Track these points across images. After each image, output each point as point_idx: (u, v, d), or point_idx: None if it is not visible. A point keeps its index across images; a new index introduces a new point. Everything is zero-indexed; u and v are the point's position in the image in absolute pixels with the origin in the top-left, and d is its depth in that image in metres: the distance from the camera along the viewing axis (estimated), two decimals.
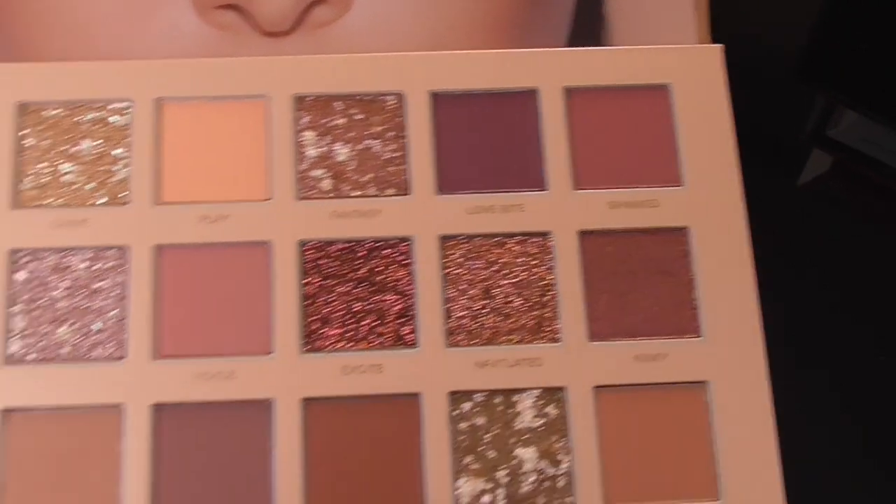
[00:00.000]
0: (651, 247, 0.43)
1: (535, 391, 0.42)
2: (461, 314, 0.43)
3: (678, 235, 0.43)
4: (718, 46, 0.46)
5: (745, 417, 0.41)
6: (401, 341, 0.42)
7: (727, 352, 0.42)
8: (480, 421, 0.42)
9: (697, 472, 0.41)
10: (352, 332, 0.42)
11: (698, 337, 0.42)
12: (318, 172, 0.44)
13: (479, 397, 0.42)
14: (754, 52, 0.48)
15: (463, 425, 0.41)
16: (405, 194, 0.44)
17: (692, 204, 0.44)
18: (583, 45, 0.46)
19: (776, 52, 0.52)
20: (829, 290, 0.49)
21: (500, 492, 0.41)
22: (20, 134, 0.44)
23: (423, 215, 0.43)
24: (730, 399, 0.42)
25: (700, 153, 0.44)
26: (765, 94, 0.47)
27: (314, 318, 0.42)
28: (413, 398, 0.41)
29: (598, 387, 0.42)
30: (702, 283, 0.43)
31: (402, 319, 0.42)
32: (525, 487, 0.41)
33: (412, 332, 0.42)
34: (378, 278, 0.43)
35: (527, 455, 0.41)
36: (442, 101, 0.45)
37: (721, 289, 0.43)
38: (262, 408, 0.41)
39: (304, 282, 0.43)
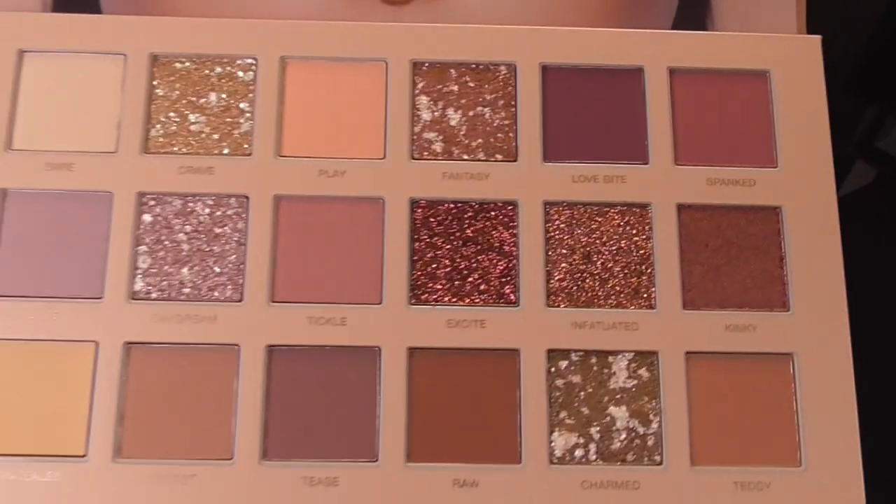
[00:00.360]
0: (745, 223, 0.45)
1: (629, 354, 0.43)
2: (561, 277, 0.44)
3: (771, 214, 0.45)
4: (817, 37, 0.47)
5: (828, 389, 0.43)
6: (503, 299, 0.44)
7: (814, 326, 0.43)
8: (576, 379, 0.43)
9: (781, 439, 0.42)
10: (457, 288, 0.44)
11: (786, 311, 0.44)
12: (430, 135, 0.45)
13: (575, 356, 0.43)
14: None
15: (559, 382, 0.43)
16: (513, 160, 0.45)
17: (786, 185, 0.45)
18: (688, 29, 0.47)
19: (827, 65, 0.53)
20: (867, 301, 0.49)
21: (592, 447, 0.42)
22: (153, 84, 0.45)
23: (530, 181, 0.45)
24: (814, 371, 0.43)
25: (796, 137, 0.45)
26: None
27: (421, 272, 0.44)
28: (513, 354, 0.43)
29: (689, 353, 0.43)
30: (792, 261, 0.44)
31: (505, 279, 0.44)
32: (616, 444, 0.42)
33: (514, 291, 0.44)
34: (483, 238, 0.44)
35: (619, 413, 0.43)
36: (552, 74, 0.46)
37: (810, 266, 0.44)
38: (370, 354, 0.43)
39: (413, 238, 0.44)
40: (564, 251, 0.44)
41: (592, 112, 0.46)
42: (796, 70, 0.46)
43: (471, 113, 0.46)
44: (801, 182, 0.45)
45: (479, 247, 0.44)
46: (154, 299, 0.43)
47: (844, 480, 0.42)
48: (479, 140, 0.45)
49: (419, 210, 0.44)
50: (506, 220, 0.44)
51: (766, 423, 0.43)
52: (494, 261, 0.44)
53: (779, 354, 0.43)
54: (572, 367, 0.43)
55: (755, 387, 0.43)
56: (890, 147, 0.53)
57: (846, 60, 0.53)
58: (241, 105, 0.45)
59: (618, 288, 0.44)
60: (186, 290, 0.43)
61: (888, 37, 0.54)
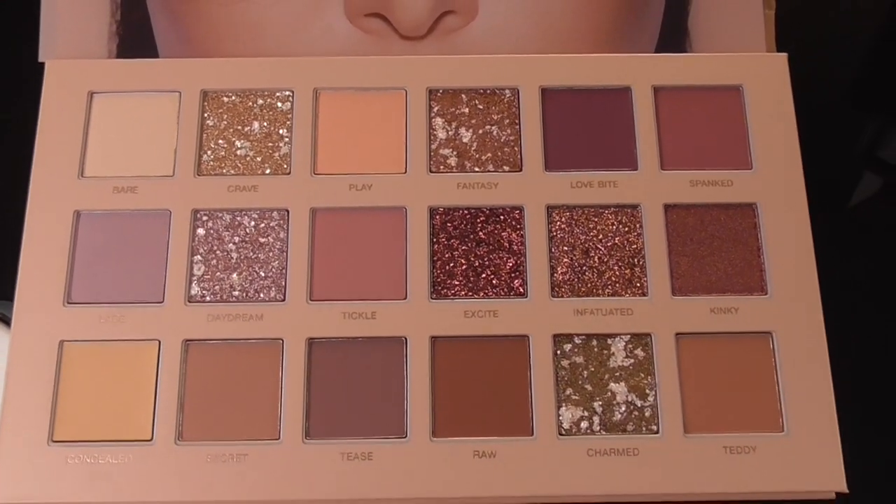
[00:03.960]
0: (725, 219, 0.45)
1: (625, 336, 0.44)
2: (564, 270, 0.45)
3: (748, 210, 0.45)
4: (783, 54, 0.47)
5: (804, 363, 0.43)
6: (513, 292, 0.44)
7: (789, 307, 0.44)
8: (579, 360, 0.44)
9: (764, 408, 0.43)
10: (472, 284, 0.45)
11: (765, 294, 0.44)
12: (446, 151, 0.46)
13: (578, 340, 0.44)
14: (806, 76, 0.48)
15: (564, 363, 0.44)
16: (518, 171, 0.46)
17: (760, 184, 0.45)
18: (669, 52, 0.48)
19: (828, 77, 0.52)
20: (878, 310, 0.49)
21: (596, 419, 0.43)
22: (204, 115, 0.47)
23: (533, 188, 0.45)
24: (791, 347, 0.43)
25: (767, 142, 0.46)
26: (817, 118, 0.48)
27: (441, 271, 0.45)
28: (523, 339, 0.44)
29: (679, 334, 0.44)
30: (768, 250, 0.45)
31: (514, 274, 0.45)
32: (617, 416, 0.43)
33: (522, 284, 0.44)
34: (494, 239, 0.45)
35: (618, 389, 0.43)
36: (550, 95, 0.47)
37: (784, 254, 0.44)
38: (398, 344, 0.44)
39: (433, 241, 0.45)
40: (566, 248, 0.45)
41: (587, 127, 0.47)
42: (765, 83, 0.47)
43: (480, 131, 0.47)
44: (773, 181, 0.45)
45: (490, 247, 0.45)
46: (208, 302, 0.44)
47: (823, 443, 0.42)
48: (489, 154, 0.46)
49: (437, 217, 0.45)
50: (513, 222, 0.45)
51: (750, 394, 0.43)
52: (504, 259, 0.45)
53: (759, 333, 0.44)
54: (576, 350, 0.44)
55: (739, 362, 0.43)
56: (893, 157, 0.52)
57: (847, 74, 0.53)
58: (281, 131, 0.47)
59: (614, 279, 0.44)
60: (236, 293, 0.44)
61: (887, 50, 0.54)
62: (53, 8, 0.48)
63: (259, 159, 0.46)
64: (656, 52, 0.48)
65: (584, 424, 0.43)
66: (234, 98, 0.47)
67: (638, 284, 0.44)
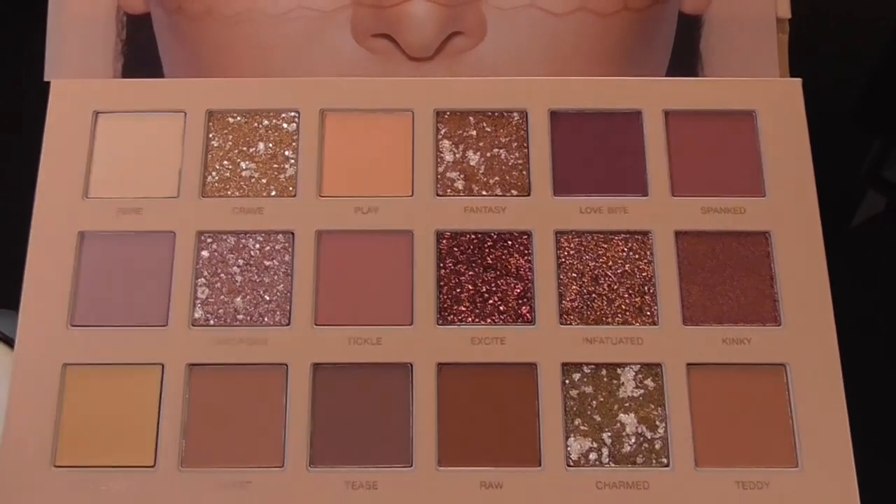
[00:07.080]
0: (737, 247, 0.42)
1: (635, 366, 0.41)
2: (572, 297, 0.42)
3: (761, 238, 0.42)
4: (798, 80, 0.44)
5: (819, 396, 0.40)
6: (520, 318, 0.41)
7: (804, 339, 0.41)
8: (588, 389, 0.41)
9: (777, 442, 0.40)
10: (479, 310, 0.42)
11: (778, 325, 0.41)
12: (453, 174, 0.44)
13: (587, 369, 0.41)
14: (811, 97, 0.45)
15: (573, 392, 0.41)
16: (526, 195, 0.43)
17: (774, 212, 0.43)
18: (681, 75, 0.45)
19: (832, 98, 0.50)
20: (882, 330, 0.47)
21: (605, 450, 0.40)
22: (209, 136, 0.44)
23: (542, 213, 0.43)
24: (806, 380, 0.40)
25: (781, 169, 0.43)
26: (821, 137, 0.45)
27: (447, 296, 0.42)
28: (531, 367, 0.41)
29: (690, 364, 0.41)
30: (781, 279, 0.42)
31: (522, 300, 0.42)
32: (626, 448, 0.40)
33: (530, 311, 0.42)
34: (502, 265, 0.42)
35: (628, 420, 0.40)
36: (560, 119, 0.44)
37: (798, 284, 0.41)
38: (404, 370, 0.41)
39: (439, 266, 0.42)
40: (575, 275, 0.42)
41: (596, 151, 0.44)
42: (779, 109, 0.44)
43: (488, 154, 0.44)
44: (787, 209, 0.42)
45: (498, 272, 0.42)
46: (212, 325, 0.42)
47: (838, 479, 0.39)
48: (496, 178, 0.43)
49: (444, 241, 0.43)
50: (521, 248, 0.42)
51: (764, 428, 0.40)
52: (512, 285, 0.42)
53: (772, 365, 0.40)
54: (585, 379, 0.41)
55: (752, 395, 0.40)
56: None
57: (852, 94, 0.51)
58: (286, 153, 0.44)
59: (623, 307, 0.42)
60: (240, 317, 0.42)
61: (891, 70, 0.51)
62: (59, 27, 0.45)
63: (264, 181, 0.43)
64: (668, 75, 0.45)
65: (592, 456, 0.40)
66: (239, 119, 0.44)
67: (648, 313, 0.41)
